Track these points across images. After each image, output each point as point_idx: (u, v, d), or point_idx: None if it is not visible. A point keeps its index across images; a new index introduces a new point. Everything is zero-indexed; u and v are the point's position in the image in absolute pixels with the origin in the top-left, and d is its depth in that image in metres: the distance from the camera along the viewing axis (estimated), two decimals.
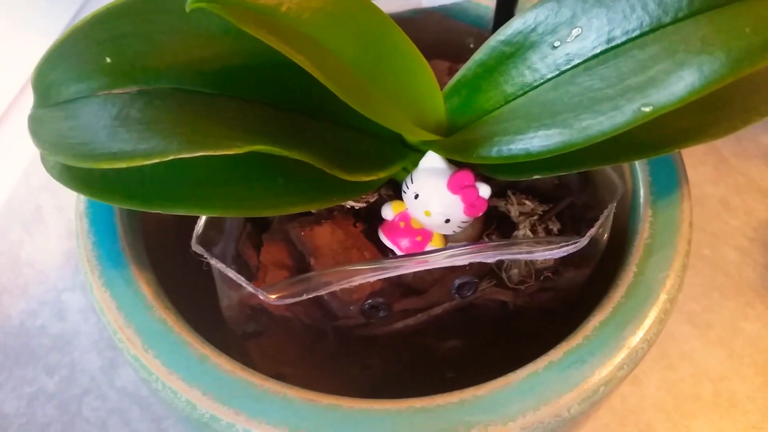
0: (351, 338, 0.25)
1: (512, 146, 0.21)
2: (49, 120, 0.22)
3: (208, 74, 0.23)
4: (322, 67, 0.20)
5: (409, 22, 0.31)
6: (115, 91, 0.22)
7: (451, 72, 0.32)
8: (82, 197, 0.26)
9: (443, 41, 0.32)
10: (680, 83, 0.19)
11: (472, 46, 0.33)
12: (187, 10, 0.20)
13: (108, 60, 0.22)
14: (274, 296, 0.21)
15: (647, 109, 0.19)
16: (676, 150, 0.25)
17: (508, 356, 0.26)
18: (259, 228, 0.26)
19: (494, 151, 0.22)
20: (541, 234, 0.26)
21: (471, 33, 0.32)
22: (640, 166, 0.27)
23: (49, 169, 0.23)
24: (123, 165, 0.20)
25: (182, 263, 0.25)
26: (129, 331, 0.22)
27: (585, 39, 0.23)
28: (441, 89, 0.26)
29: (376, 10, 0.24)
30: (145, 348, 0.22)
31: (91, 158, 0.20)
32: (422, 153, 0.25)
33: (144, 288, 0.23)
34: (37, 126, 0.22)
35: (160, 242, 0.27)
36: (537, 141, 0.21)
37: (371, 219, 0.26)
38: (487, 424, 0.21)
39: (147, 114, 0.21)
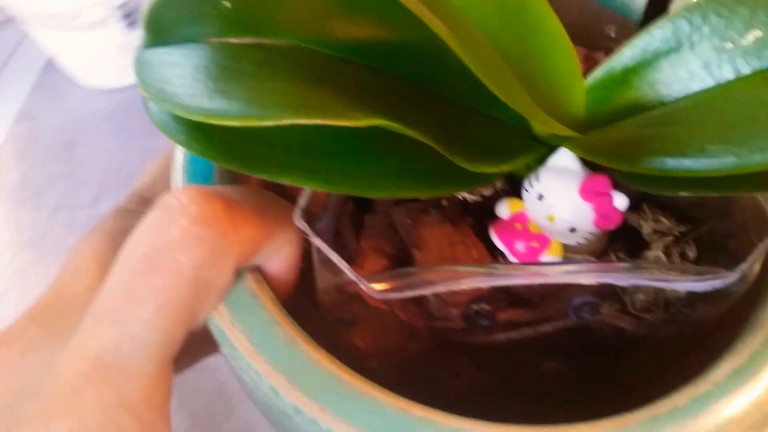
0: (446, 342, 0.23)
1: (670, 159, 0.18)
2: (156, 64, 0.20)
3: (332, 34, 0.21)
4: (465, 41, 0.18)
5: None
6: (231, 39, 0.20)
7: (588, 60, 0.29)
8: (182, 151, 0.24)
9: (581, 25, 0.29)
10: None
11: (613, 35, 0.29)
12: None
13: (227, 4, 0.20)
14: (378, 288, 0.19)
15: None
16: None
17: (616, 388, 0.23)
18: (361, 209, 0.24)
19: (646, 161, 0.19)
20: (676, 258, 0.23)
21: (613, 20, 0.29)
22: None
23: (151, 116, 0.21)
24: (233, 124, 0.18)
25: None
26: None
27: (765, 43, 0.20)
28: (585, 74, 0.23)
29: None
30: (233, 323, 0.20)
31: (199, 112, 0.18)
32: (552, 149, 0.22)
33: None
34: (143, 69, 0.20)
35: None
36: (702, 158, 0.18)
37: (482, 214, 0.24)
38: None
39: (263, 71, 0.19)
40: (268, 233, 0.21)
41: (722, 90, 0.20)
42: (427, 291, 0.20)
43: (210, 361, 0.37)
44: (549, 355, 0.23)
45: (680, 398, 0.20)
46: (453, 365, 0.24)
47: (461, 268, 0.21)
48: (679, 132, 0.19)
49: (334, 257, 0.19)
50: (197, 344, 0.23)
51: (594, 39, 0.29)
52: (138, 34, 0.53)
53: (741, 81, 0.20)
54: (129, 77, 0.55)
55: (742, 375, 0.20)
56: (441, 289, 0.20)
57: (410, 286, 0.20)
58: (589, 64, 0.28)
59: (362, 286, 0.19)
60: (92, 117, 0.57)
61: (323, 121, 0.18)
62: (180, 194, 0.20)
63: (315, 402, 0.19)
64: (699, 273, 0.20)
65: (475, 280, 0.20)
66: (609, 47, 0.29)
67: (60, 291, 0.21)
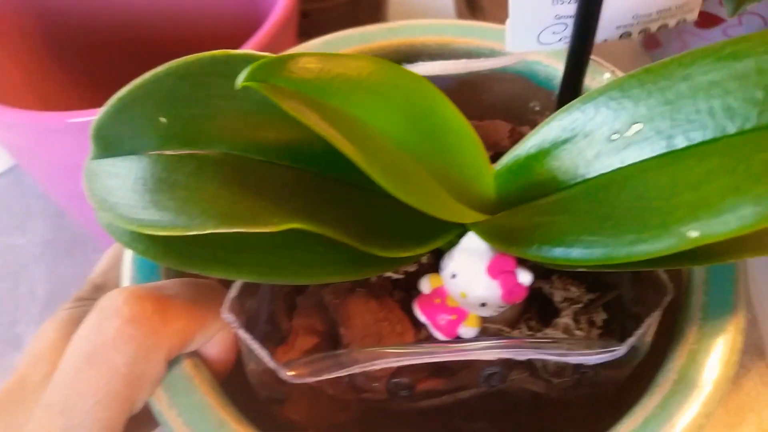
0: (376, 411, 0.25)
1: (553, 249, 0.20)
2: (101, 175, 0.22)
3: (258, 141, 0.23)
4: (366, 152, 0.20)
5: (471, 81, 0.31)
6: (167, 151, 0.23)
7: (513, 134, 0.31)
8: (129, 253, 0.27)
9: (506, 101, 0.31)
10: (733, 214, 0.17)
11: (537, 108, 0.32)
12: (237, 87, 0.20)
13: (163, 120, 0.23)
14: (292, 373, 0.21)
15: (694, 235, 0.18)
16: (735, 260, 0.24)
17: None
18: (295, 289, 0.26)
19: (533, 249, 0.21)
20: (584, 324, 0.25)
21: (537, 95, 0.31)
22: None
23: (99, 220, 0.23)
24: (163, 234, 0.20)
25: None
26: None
27: (645, 137, 0.22)
28: (501, 153, 0.26)
29: (426, 85, 0.24)
30: (169, 405, 0.23)
31: (134, 223, 0.21)
32: (466, 229, 0.24)
33: None
34: (90, 179, 0.23)
35: None
36: (578, 249, 0.20)
37: (410, 287, 0.26)
38: None
39: (194, 180, 0.22)
40: (200, 324, 0.23)
41: (606, 179, 0.22)
42: (347, 372, 0.22)
43: None
44: (473, 418, 0.25)
45: None
46: (385, 430, 0.26)
47: (383, 349, 0.23)
48: (564, 222, 0.21)
49: (255, 346, 0.21)
50: (141, 423, 0.25)
51: (520, 114, 0.31)
52: None
53: (623, 171, 0.22)
54: None
55: None
56: (361, 369, 0.22)
57: (331, 368, 0.22)
58: (514, 138, 0.30)
59: (278, 373, 0.21)
60: None
61: (242, 228, 0.20)
62: (115, 296, 0.22)
63: None
64: (590, 346, 0.22)
65: (396, 359, 0.23)
66: (534, 121, 0.31)
67: (21, 378, 0.23)
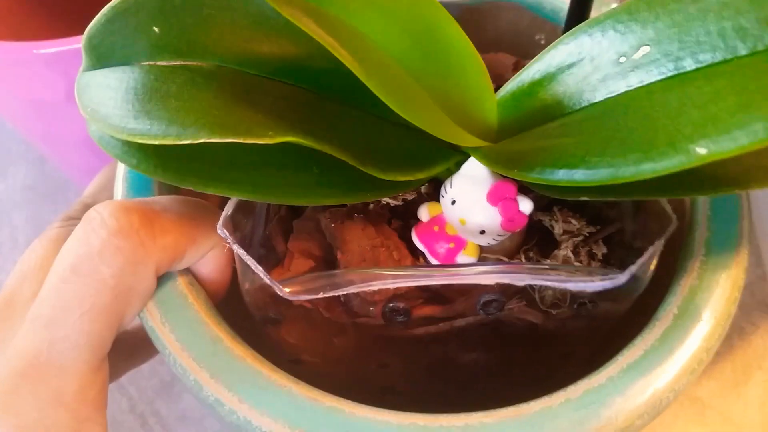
0: (370, 336, 0.25)
1: (556, 172, 0.20)
2: (93, 86, 0.22)
3: (253, 55, 0.22)
4: (365, 64, 0.19)
5: (476, 11, 0.30)
6: (159, 62, 0.22)
7: (517, 67, 0.30)
8: (122, 169, 0.26)
9: (511, 33, 0.31)
10: (743, 130, 0.17)
11: (543, 42, 0.31)
12: None
13: (156, 30, 0.22)
14: (288, 290, 0.21)
15: (702, 152, 0.17)
16: (742, 191, 0.23)
17: (531, 377, 0.25)
18: (291, 213, 0.26)
19: (536, 172, 0.20)
20: (584, 257, 0.24)
21: (543, 28, 0.31)
22: (701, 198, 0.25)
23: (91, 133, 0.23)
24: (155, 143, 0.20)
25: None
26: (150, 302, 0.23)
27: (652, 59, 0.21)
28: (503, 84, 0.25)
29: (431, 1, 0.23)
30: (162, 321, 0.22)
31: (125, 132, 0.20)
32: (467, 156, 0.23)
33: None
34: (81, 91, 0.22)
35: None
36: (582, 171, 0.19)
37: (408, 217, 0.26)
38: None
39: (186, 91, 0.21)
40: (190, 239, 0.22)
41: (612, 103, 0.22)
42: (343, 291, 0.22)
43: None
44: (468, 348, 0.25)
45: (575, 390, 0.21)
46: (380, 357, 0.25)
47: (379, 271, 0.22)
48: (568, 144, 0.21)
49: (251, 262, 0.21)
50: (134, 350, 0.25)
51: (525, 47, 0.30)
52: None
53: (629, 94, 0.21)
54: None
55: (635, 369, 0.22)
56: (357, 289, 0.22)
57: (327, 288, 0.22)
58: (518, 72, 0.30)
59: (275, 289, 0.21)
60: None
61: (236, 139, 0.20)
62: (101, 209, 0.22)
63: (234, 395, 0.21)
64: (594, 275, 0.21)
65: (391, 281, 0.22)
66: None
67: (9, 296, 0.23)
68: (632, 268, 0.21)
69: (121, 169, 0.26)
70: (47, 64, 0.33)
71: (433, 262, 0.24)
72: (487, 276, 0.22)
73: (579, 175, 0.19)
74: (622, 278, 0.21)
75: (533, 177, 0.21)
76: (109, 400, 0.42)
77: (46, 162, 0.51)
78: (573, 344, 0.25)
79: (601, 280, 0.21)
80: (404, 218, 0.26)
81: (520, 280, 0.22)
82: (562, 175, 0.19)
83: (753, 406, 0.37)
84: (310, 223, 0.25)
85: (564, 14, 0.30)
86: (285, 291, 0.21)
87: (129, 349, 0.27)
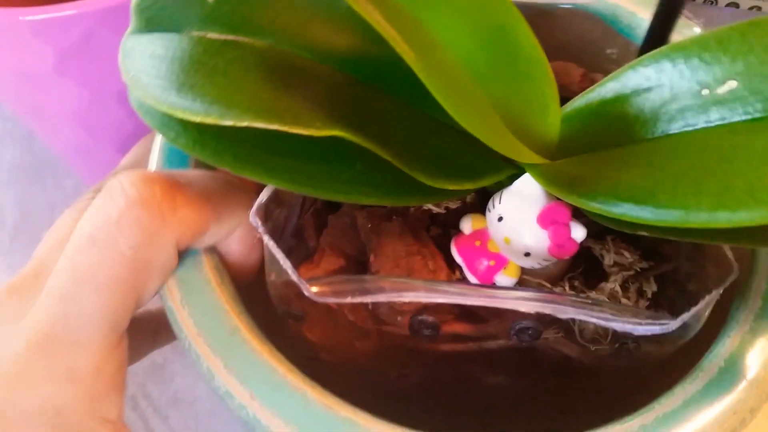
0: (393, 345, 0.23)
1: (620, 205, 0.18)
2: (137, 51, 0.21)
3: (309, 38, 0.21)
4: (426, 61, 0.18)
5: (548, 15, 0.28)
6: (209, 35, 0.21)
7: (584, 80, 0.29)
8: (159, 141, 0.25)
9: (581, 43, 0.29)
10: None
11: (614, 56, 0.29)
12: None
13: (210, 0, 0.21)
14: (315, 290, 0.20)
15: None
16: None
17: (556, 408, 0.24)
18: (327, 207, 0.24)
19: (598, 201, 0.19)
20: (632, 293, 0.23)
21: (615, 42, 0.29)
22: (764, 249, 0.23)
23: (132, 100, 0.22)
24: (196, 120, 0.19)
25: None
26: (172, 279, 0.22)
27: (738, 96, 0.20)
28: (568, 97, 0.23)
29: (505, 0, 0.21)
30: (182, 303, 0.21)
31: (166, 104, 0.19)
32: (520, 170, 0.22)
33: None
34: (126, 55, 0.21)
35: None
36: (650, 208, 0.18)
37: (449, 226, 0.24)
38: None
39: (234, 68, 0.20)
40: (214, 215, 0.21)
41: (688, 137, 0.20)
42: (372, 299, 0.21)
43: None
44: (494, 370, 0.24)
45: None
46: (400, 366, 0.24)
47: (412, 282, 0.21)
48: (636, 176, 0.19)
49: (280, 256, 0.20)
50: (157, 331, 0.24)
51: (594, 59, 0.29)
52: None
53: (707, 131, 0.20)
54: None
55: (671, 420, 0.20)
56: (387, 299, 0.21)
57: (356, 292, 0.21)
58: (585, 84, 0.28)
59: (302, 288, 0.20)
60: None
61: (281, 127, 0.18)
62: (122, 178, 0.21)
63: (246, 389, 0.20)
64: (637, 315, 0.20)
65: (424, 294, 0.21)
66: (608, 69, 0.28)
67: (36, 266, 0.22)
68: (685, 316, 0.20)
69: (159, 140, 0.25)
70: (35, 33, 0.31)
71: (470, 277, 0.23)
72: (527, 303, 0.20)
73: (646, 213, 0.18)
74: (672, 325, 0.20)
75: (594, 207, 0.19)
76: None
77: (34, 140, 0.50)
78: (606, 381, 0.24)
79: (650, 324, 0.20)
80: (444, 227, 0.24)
81: (562, 312, 0.20)
82: (628, 210, 0.18)
83: None
84: (345, 220, 0.24)
85: (641, 31, 0.28)
86: (312, 291, 0.20)
87: (152, 329, 0.26)
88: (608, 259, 0.23)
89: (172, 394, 0.40)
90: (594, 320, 0.20)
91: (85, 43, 0.32)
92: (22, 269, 0.23)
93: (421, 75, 0.18)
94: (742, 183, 0.17)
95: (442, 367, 0.24)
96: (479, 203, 0.24)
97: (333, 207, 0.25)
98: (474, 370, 0.24)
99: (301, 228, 0.24)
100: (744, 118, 0.19)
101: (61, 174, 0.48)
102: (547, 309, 0.20)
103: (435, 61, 0.19)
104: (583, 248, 0.24)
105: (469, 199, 0.24)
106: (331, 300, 0.20)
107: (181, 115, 0.19)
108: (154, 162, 0.24)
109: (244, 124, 0.18)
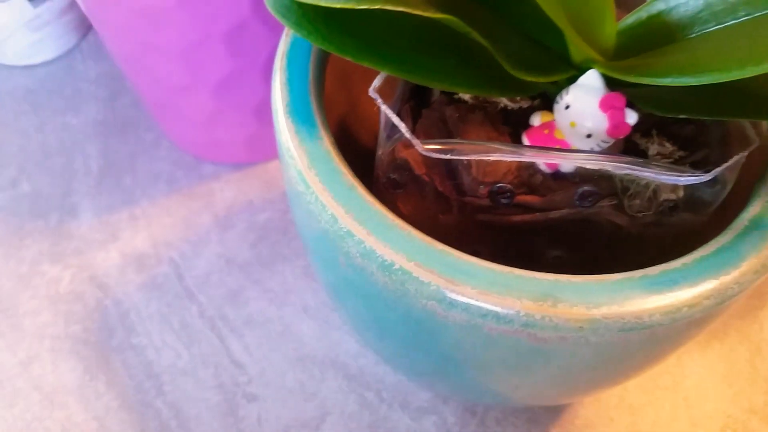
0: (471, 220, 0.28)
1: (667, 77, 0.23)
2: None
3: None
4: None
5: None
6: None
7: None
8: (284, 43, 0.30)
9: None
10: None
11: None
12: None
13: None
14: (427, 147, 0.25)
15: None
16: None
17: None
18: (420, 103, 0.30)
19: (650, 76, 0.24)
20: None
21: None
22: None
23: (268, 2, 0.27)
24: (336, 6, 0.24)
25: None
26: (300, 150, 0.27)
27: None
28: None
29: None
30: (309, 167, 0.26)
31: None
32: (581, 72, 0.27)
33: (318, 121, 0.28)
34: None
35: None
36: (691, 76, 0.23)
37: (519, 126, 0.29)
38: (573, 304, 0.24)
39: None
40: None
41: (720, 30, 0.25)
42: (466, 157, 0.25)
43: (137, 341, 0.44)
44: (555, 243, 0.29)
45: (653, 269, 0.25)
46: (473, 243, 0.29)
47: (495, 145, 0.26)
48: (680, 58, 0.24)
49: (396, 119, 0.25)
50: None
51: None
52: (43, 9, 0.54)
53: (734, 25, 0.25)
54: (43, 53, 0.57)
55: (707, 260, 0.25)
56: (477, 157, 0.25)
57: (453, 152, 0.25)
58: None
59: (414, 143, 0.25)
60: (8, 95, 0.56)
61: (405, 8, 0.24)
62: None
63: (364, 228, 0.25)
64: (681, 172, 0.25)
65: (507, 154, 0.26)
66: None
67: None
68: (717, 170, 0.24)
69: (282, 46, 0.30)
70: None
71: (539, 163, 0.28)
72: (591, 161, 0.25)
73: (689, 79, 0.23)
74: (707, 176, 0.25)
75: (647, 81, 0.24)
76: (179, 307, 0.47)
77: (117, 98, 0.55)
78: (650, 251, 0.28)
79: (689, 176, 0.25)
80: (515, 126, 0.29)
81: (620, 169, 0.25)
82: (674, 79, 0.23)
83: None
84: (435, 114, 0.29)
85: None
86: (422, 147, 0.25)
87: None
88: (652, 150, 0.28)
89: (246, 317, 0.44)
90: (647, 174, 0.25)
91: None
92: None
93: None
94: (763, 47, 0.22)
95: (509, 241, 0.29)
96: (542, 107, 0.29)
97: (427, 101, 0.30)
98: (537, 244, 0.29)
99: (399, 115, 0.29)
100: (766, 11, 0.24)
101: (142, 129, 0.54)
102: (608, 165, 0.25)
103: None
104: (630, 144, 0.29)
105: (535, 103, 0.29)
106: (436, 155, 0.25)
107: (324, 3, 0.24)
108: (279, 60, 0.30)
109: (377, 6, 0.23)
